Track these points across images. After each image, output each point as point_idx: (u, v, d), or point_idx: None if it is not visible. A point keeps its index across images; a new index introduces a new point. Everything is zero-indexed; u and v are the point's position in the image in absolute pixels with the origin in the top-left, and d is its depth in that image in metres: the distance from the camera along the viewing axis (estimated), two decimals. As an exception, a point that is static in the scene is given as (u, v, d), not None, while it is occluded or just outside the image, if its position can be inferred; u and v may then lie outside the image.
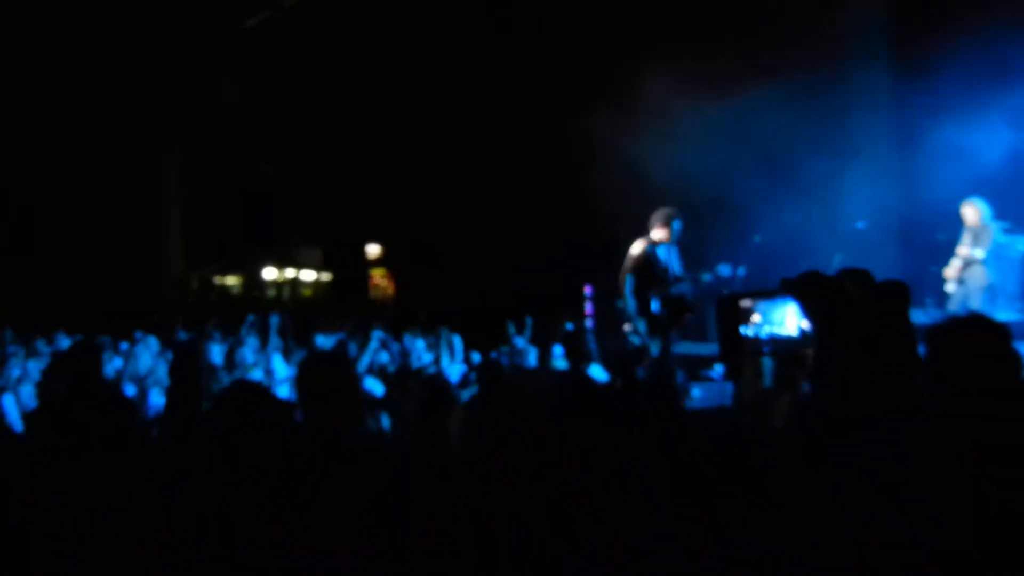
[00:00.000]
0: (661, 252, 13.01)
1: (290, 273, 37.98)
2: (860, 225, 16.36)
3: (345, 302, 28.07)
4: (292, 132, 30.03)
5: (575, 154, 19.62)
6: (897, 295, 3.50)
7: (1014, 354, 3.94)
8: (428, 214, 26.01)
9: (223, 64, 29.12)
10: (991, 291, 14.60)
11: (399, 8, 23.05)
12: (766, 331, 5.43)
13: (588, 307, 20.08)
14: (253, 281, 37.65)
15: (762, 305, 5.20)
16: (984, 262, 13.63)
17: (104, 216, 28.66)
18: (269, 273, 37.95)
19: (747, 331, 5.33)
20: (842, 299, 2.91)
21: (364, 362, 12.12)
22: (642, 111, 17.92)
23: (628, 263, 12.99)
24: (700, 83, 17.67)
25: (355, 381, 4.81)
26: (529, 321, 14.94)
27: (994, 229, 14.04)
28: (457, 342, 14.67)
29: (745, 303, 4.53)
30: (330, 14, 24.71)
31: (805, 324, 5.00)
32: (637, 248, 12.97)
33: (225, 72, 29.48)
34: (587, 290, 20.18)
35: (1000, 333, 4.01)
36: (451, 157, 24.09)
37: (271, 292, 36.85)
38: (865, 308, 2.97)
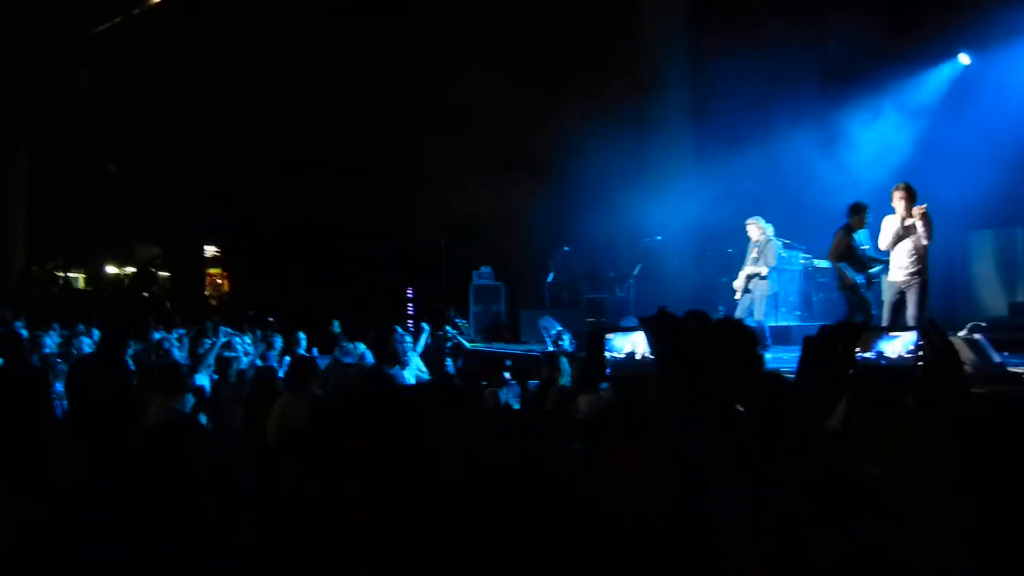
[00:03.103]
0: (860, 237, 12.45)
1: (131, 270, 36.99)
2: (658, 238, 16.65)
3: (183, 299, 27.36)
4: (137, 132, 29.19)
5: (400, 163, 19.48)
6: (728, 330, 3.72)
7: (758, 356, 4.14)
8: (263, 217, 25.60)
9: (73, 64, 28.15)
10: (774, 300, 14.99)
11: (246, 16, 22.58)
12: (610, 356, 5.99)
13: (410, 308, 19.90)
14: (95, 276, 36.55)
15: (616, 336, 5.82)
16: (768, 275, 13.88)
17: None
18: (110, 269, 36.93)
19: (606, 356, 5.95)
20: (683, 333, 3.18)
21: (211, 357, 11.73)
22: (460, 129, 17.88)
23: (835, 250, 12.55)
24: (514, 107, 17.74)
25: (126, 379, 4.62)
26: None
27: (776, 244, 14.35)
28: (301, 338, 14.43)
29: (608, 336, 5.16)
30: (178, 22, 24.15)
31: (640, 350, 5.68)
32: (841, 235, 12.50)
33: (75, 72, 28.51)
34: (409, 292, 20.00)
35: (747, 336, 4.17)
36: (286, 163, 23.70)
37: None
38: (701, 340, 3.23)
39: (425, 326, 14.36)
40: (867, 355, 6.25)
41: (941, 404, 4.61)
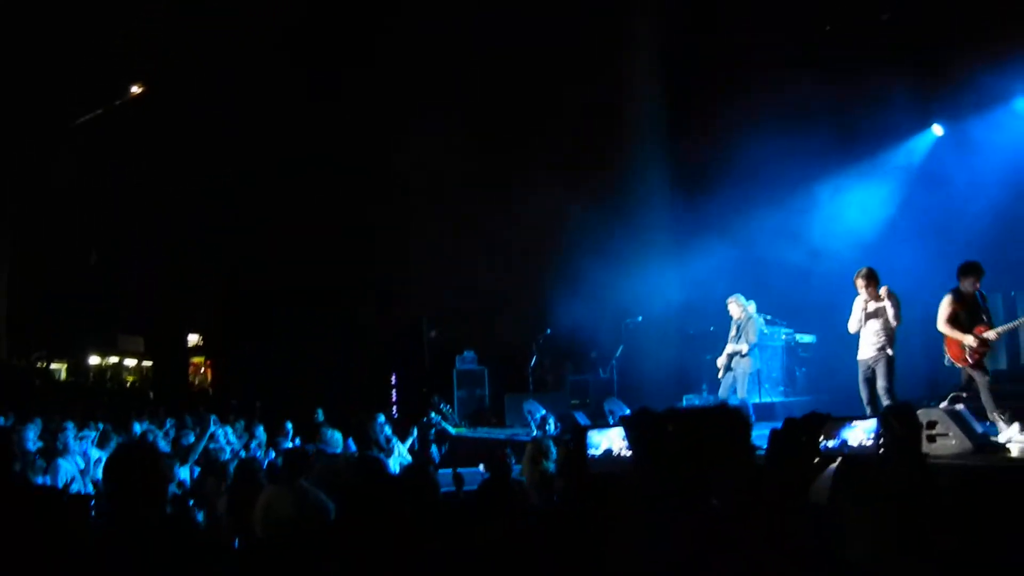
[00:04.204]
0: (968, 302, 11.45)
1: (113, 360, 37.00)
2: (639, 319, 16.77)
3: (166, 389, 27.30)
4: (118, 223, 29.30)
5: (383, 250, 19.55)
6: (718, 419, 3.95)
7: (748, 445, 4.30)
8: (247, 305, 25.60)
9: (54, 155, 28.29)
10: (757, 377, 15.07)
11: (222, 108, 22.78)
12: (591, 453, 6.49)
13: (394, 394, 19.89)
14: (78, 367, 36.47)
15: (595, 432, 6.37)
16: (750, 352, 13.98)
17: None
18: (93, 360, 36.89)
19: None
20: (662, 432, 3.46)
21: (198, 450, 11.79)
22: (444, 216, 18.00)
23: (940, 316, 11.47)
24: (497, 193, 17.90)
25: (159, 468, 4.67)
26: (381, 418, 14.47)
27: (758, 321, 14.47)
28: (288, 428, 14.47)
29: (591, 432, 5.84)
30: (158, 115, 24.38)
31: (616, 447, 6.23)
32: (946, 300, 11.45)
33: (56, 163, 28.64)
34: (393, 378, 20.00)
35: (742, 423, 4.32)
36: (269, 251, 23.76)
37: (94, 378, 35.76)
38: (680, 439, 3.47)
39: (414, 429, 14.41)
40: (830, 444, 6.49)
41: (901, 487, 4.81)
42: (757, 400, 14.80)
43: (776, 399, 16.06)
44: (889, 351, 11.55)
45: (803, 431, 3.66)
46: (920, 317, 12.11)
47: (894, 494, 4.71)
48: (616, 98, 18.51)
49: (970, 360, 11.20)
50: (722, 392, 14.05)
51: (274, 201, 23.39)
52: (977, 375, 11.16)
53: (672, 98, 18.34)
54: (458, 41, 18.15)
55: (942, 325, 11.35)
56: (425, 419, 16.32)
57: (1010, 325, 11.50)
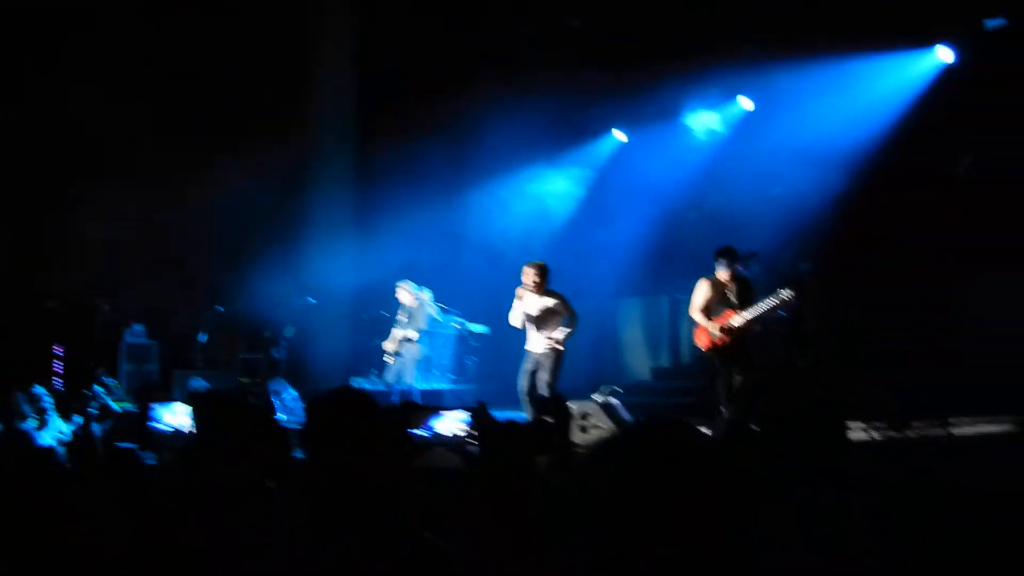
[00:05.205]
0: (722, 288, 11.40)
1: None
2: (312, 301, 16.77)
3: None
4: None
5: (59, 219, 18.70)
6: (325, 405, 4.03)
7: (377, 423, 4.38)
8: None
9: None
10: (427, 363, 15.37)
11: None
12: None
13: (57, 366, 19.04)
14: None
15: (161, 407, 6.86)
16: (420, 338, 14.17)
17: None
18: None
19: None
20: (231, 412, 3.55)
21: None
22: (115, 178, 17.37)
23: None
24: (170, 158, 17.47)
25: None
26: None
27: (430, 308, 14.76)
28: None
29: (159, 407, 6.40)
30: None
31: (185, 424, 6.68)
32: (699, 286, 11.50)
33: None
34: (58, 350, 19.14)
35: (364, 402, 4.38)
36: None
37: None
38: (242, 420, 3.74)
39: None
40: (421, 432, 6.77)
41: (497, 480, 5.05)
42: (426, 387, 15.08)
43: (445, 386, 16.38)
44: (560, 347, 11.76)
45: (398, 418, 3.96)
46: (590, 312, 12.44)
47: (491, 482, 4.89)
48: (306, 70, 18.42)
49: (717, 346, 11.26)
50: (389, 377, 14.25)
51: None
52: (720, 365, 11.34)
53: (368, 83, 18.35)
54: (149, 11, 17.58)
55: (693, 311, 11.53)
56: (88, 393, 15.79)
57: (755, 310, 11.31)
